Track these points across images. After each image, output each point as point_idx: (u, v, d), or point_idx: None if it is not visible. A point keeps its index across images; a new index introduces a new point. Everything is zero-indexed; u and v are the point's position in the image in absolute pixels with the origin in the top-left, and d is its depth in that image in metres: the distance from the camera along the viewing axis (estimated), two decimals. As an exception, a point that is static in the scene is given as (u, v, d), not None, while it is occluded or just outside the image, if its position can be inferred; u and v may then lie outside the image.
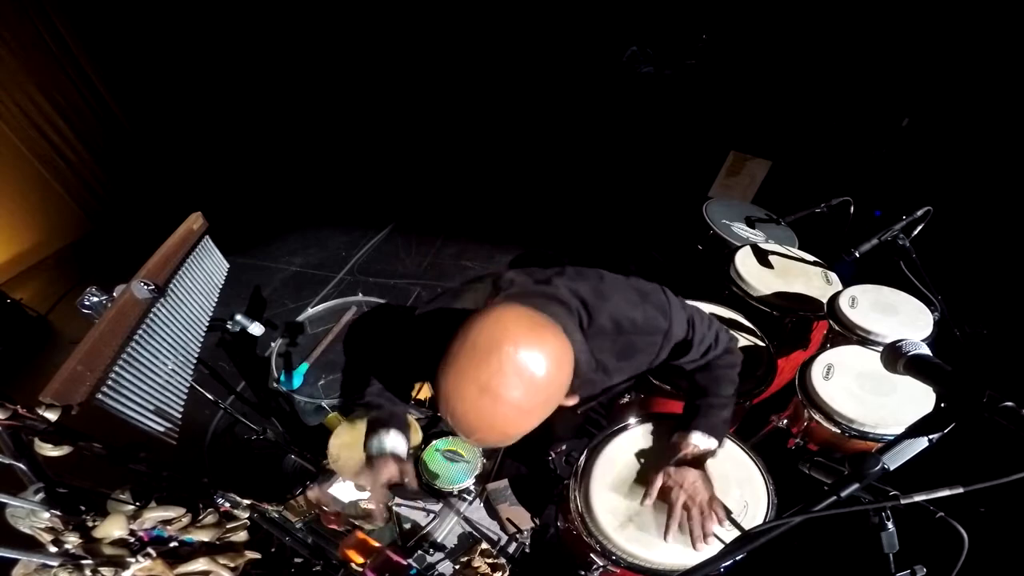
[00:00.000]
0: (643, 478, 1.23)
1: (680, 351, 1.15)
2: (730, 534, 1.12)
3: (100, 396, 1.10)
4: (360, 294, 2.21)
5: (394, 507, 1.36)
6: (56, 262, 4.19)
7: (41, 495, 0.74)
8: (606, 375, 1.12)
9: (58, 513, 0.72)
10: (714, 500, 1.12)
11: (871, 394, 1.51)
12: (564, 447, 2.19)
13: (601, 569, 1.18)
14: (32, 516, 0.73)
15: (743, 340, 1.76)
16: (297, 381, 1.88)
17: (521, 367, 0.75)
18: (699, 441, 1.17)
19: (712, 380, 1.22)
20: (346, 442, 1.54)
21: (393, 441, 1.17)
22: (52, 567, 0.67)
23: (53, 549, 0.69)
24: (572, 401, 0.92)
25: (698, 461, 1.17)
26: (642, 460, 1.28)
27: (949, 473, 0.72)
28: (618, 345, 1.06)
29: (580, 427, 2.12)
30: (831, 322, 1.80)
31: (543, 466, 2.12)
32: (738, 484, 1.22)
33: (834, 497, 0.74)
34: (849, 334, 1.73)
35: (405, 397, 1.27)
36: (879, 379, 1.53)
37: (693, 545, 1.08)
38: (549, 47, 5.21)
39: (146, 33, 4.48)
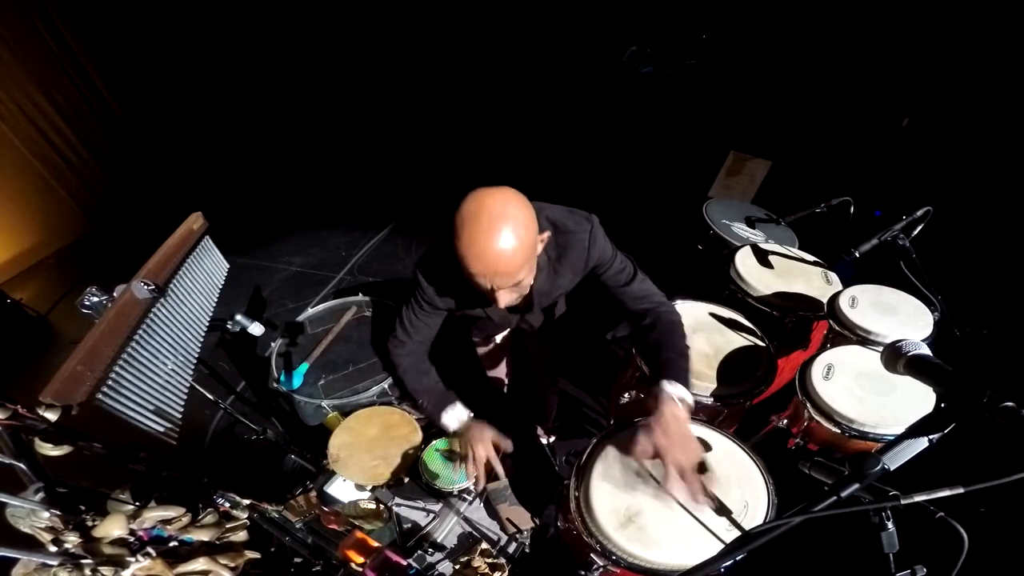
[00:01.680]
0: (643, 477, 1.23)
1: (605, 264, 1.40)
2: (730, 534, 1.12)
3: (100, 396, 1.10)
4: (360, 294, 2.21)
5: (394, 507, 1.36)
6: (56, 262, 4.20)
7: (41, 495, 0.74)
8: (554, 272, 1.39)
9: (58, 513, 0.72)
10: (695, 455, 1.18)
11: (871, 394, 1.51)
12: (554, 439, 2.24)
13: (601, 569, 1.18)
14: (32, 516, 0.73)
15: (743, 340, 1.76)
16: (297, 381, 1.88)
17: (508, 210, 1.09)
18: (670, 389, 1.24)
19: (661, 335, 1.39)
20: (346, 442, 1.54)
21: (461, 412, 1.45)
22: (52, 567, 0.67)
23: (53, 549, 0.69)
24: (540, 247, 1.23)
25: (679, 415, 1.21)
26: (643, 460, 1.28)
27: (949, 473, 0.72)
28: (556, 242, 1.34)
29: (580, 427, 2.17)
30: (831, 322, 1.80)
31: (543, 464, 2.14)
32: (738, 484, 1.22)
33: (834, 497, 0.74)
34: (849, 334, 1.73)
35: (433, 327, 1.50)
36: (879, 379, 1.53)
37: (694, 497, 1.13)
38: (549, 47, 5.21)
39: (146, 33, 4.49)
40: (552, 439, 2.30)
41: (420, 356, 1.52)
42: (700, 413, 1.61)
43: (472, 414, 1.47)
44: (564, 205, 1.39)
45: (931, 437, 0.75)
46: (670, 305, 1.46)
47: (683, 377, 1.29)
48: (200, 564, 0.73)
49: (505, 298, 1.20)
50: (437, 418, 1.44)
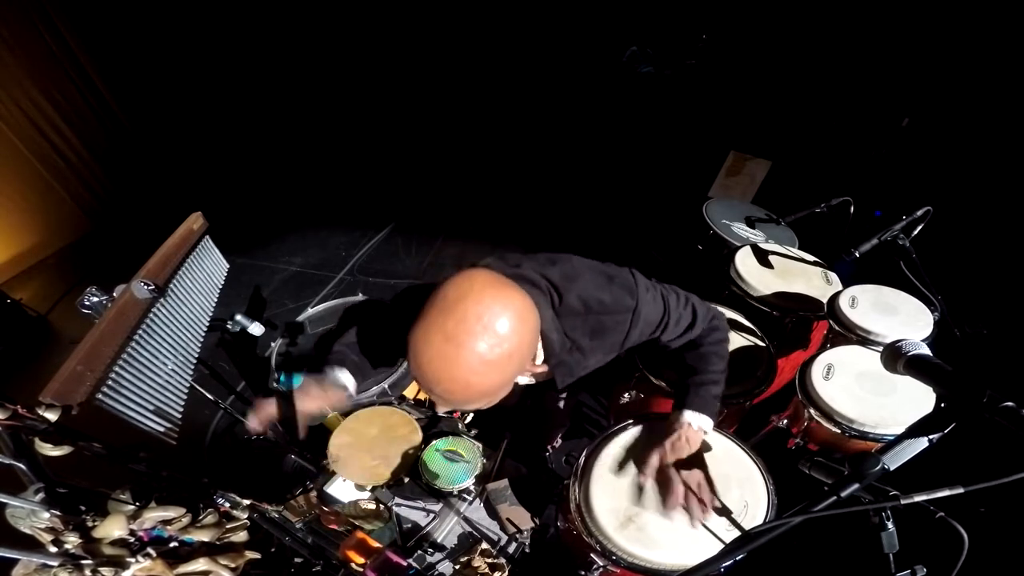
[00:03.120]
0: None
1: (656, 330, 1.16)
2: (730, 534, 1.12)
3: (100, 396, 1.10)
4: (360, 294, 2.21)
5: (394, 507, 1.36)
6: (56, 262, 4.19)
7: (41, 495, 0.74)
8: (581, 354, 1.14)
9: (58, 513, 0.72)
10: (705, 483, 1.14)
11: (871, 394, 1.51)
12: (560, 441, 2.18)
13: (601, 569, 1.18)
14: (32, 516, 0.73)
15: (743, 340, 1.76)
16: (297, 381, 1.88)
17: (485, 318, 0.81)
18: (691, 419, 1.18)
19: (699, 358, 1.23)
20: (346, 442, 1.54)
21: (339, 376, 1.22)
22: (52, 567, 0.67)
23: (53, 549, 0.69)
24: (542, 369, 0.98)
25: (693, 440, 1.18)
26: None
27: (949, 473, 0.72)
28: (588, 324, 1.09)
29: (580, 427, 2.13)
30: (831, 322, 1.80)
31: (543, 466, 2.13)
32: (738, 484, 1.22)
33: (834, 497, 0.74)
34: (849, 334, 1.73)
35: (376, 360, 1.29)
36: (879, 379, 1.53)
37: (691, 523, 1.10)
38: (549, 47, 5.21)
39: (146, 34, 4.48)
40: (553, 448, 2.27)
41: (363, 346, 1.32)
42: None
43: (341, 385, 1.23)
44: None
45: (931, 437, 0.75)
46: (720, 319, 1.28)
47: (710, 407, 1.20)
48: (200, 564, 0.73)
49: (442, 410, 1.05)
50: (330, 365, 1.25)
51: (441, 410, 1.00)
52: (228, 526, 0.79)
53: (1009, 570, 1.68)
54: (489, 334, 0.80)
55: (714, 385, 1.22)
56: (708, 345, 1.24)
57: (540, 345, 1.05)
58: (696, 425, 1.18)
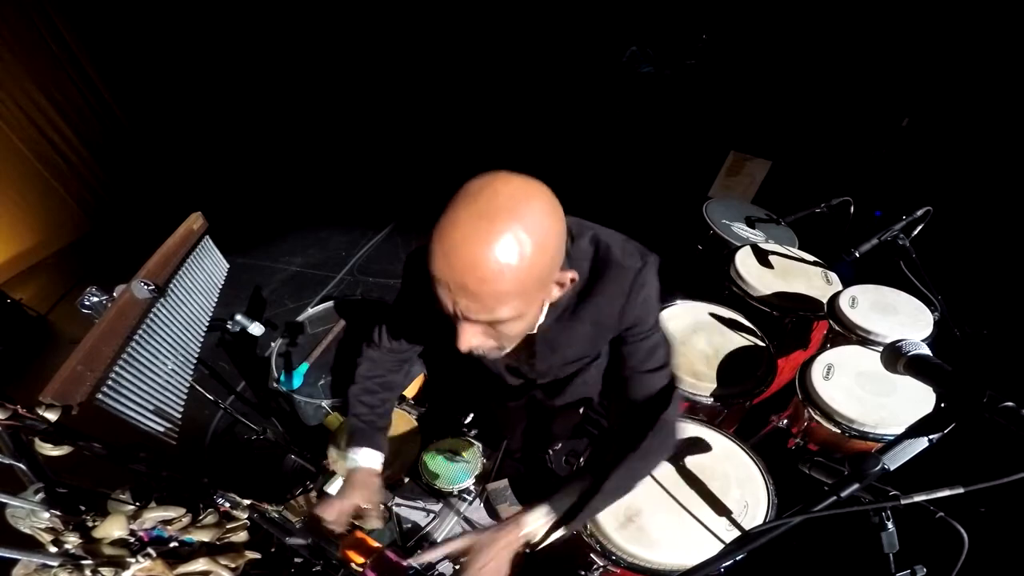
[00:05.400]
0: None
1: (643, 320, 1.02)
2: (730, 534, 1.12)
3: (100, 396, 1.10)
4: (360, 294, 2.21)
5: (394, 507, 1.36)
6: (56, 262, 4.19)
7: (41, 495, 0.74)
8: (571, 324, 1.03)
9: (58, 513, 0.72)
10: None
11: (871, 394, 1.51)
12: (560, 445, 2.17)
13: (601, 569, 1.18)
14: (32, 516, 0.73)
15: (743, 340, 1.76)
16: (297, 381, 1.88)
17: (517, 197, 0.76)
18: (533, 517, 1.04)
19: (627, 464, 1.04)
20: (346, 442, 1.54)
21: (366, 457, 1.21)
22: (52, 567, 0.67)
23: (53, 549, 0.69)
24: (558, 292, 0.89)
25: (511, 542, 1.03)
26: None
27: (949, 473, 0.72)
28: (592, 275, 0.99)
29: (579, 427, 2.13)
30: (831, 322, 1.80)
31: (543, 466, 2.12)
32: (738, 484, 1.22)
33: (834, 497, 0.74)
34: (849, 334, 1.73)
35: (413, 336, 1.23)
36: (879, 379, 1.53)
37: None
38: (549, 47, 5.21)
39: (146, 33, 4.48)
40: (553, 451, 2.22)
41: (384, 367, 1.28)
42: (700, 413, 1.61)
43: (375, 468, 1.22)
44: (569, 210, 1.09)
45: (931, 437, 0.75)
46: (670, 429, 1.08)
47: (575, 519, 1.04)
48: (200, 564, 0.73)
49: (469, 337, 0.84)
50: (347, 445, 1.24)
51: (467, 337, 0.83)
52: (228, 526, 0.79)
53: (1009, 570, 1.68)
54: (521, 213, 0.73)
55: (604, 497, 1.06)
56: (642, 452, 1.04)
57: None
58: (535, 526, 1.05)
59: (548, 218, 0.78)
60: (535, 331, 1.02)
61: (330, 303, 2.16)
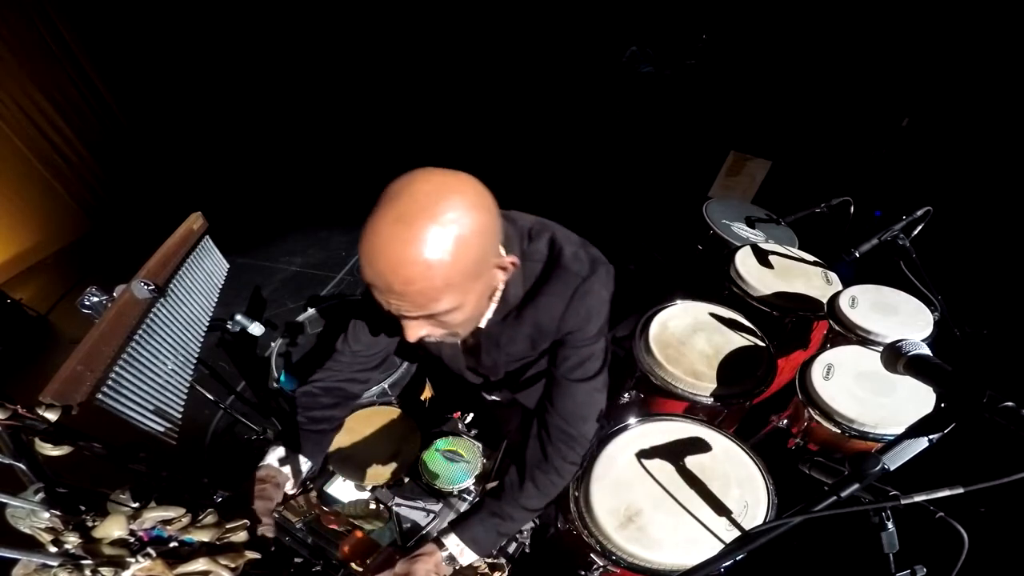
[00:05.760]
0: (643, 477, 1.23)
1: (581, 329, 1.02)
2: (730, 534, 1.12)
3: (100, 396, 1.10)
4: (360, 294, 2.20)
5: (394, 507, 1.36)
6: (56, 262, 4.20)
7: (41, 495, 0.74)
8: (515, 324, 1.04)
9: (58, 513, 0.72)
10: None
11: (871, 394, 1.51)
12: None
13: (601, 569, 1.18)
14: (32, 516, 0.73)
15: (743, 340, 1.76)
16: (297, 381, 1.88)
17: (435, 195, 0.76)
18: (450, 545, 1.06)
19: (531, 482, 1.09)
20: (346, 442, 1.54)
21: (276, 455, 1.17)
22: (52, 567, 0.67)
23: (53, 549, 0.68)
24: (504, 276, 0.91)
25: (441, 568, 1.05)
26: (643, 460, 1.28)
27: (949, 473, 0.72)
28: (541, 279, 1.00)
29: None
30: (831, 322, 1.80)
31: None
32: (738, 484, 1.22)
33: (834, 497, 0.74)
34: (849, 334, 1.73)
35: (375, 337, 1.22)
36: (879, 379, 1.53)
37: None
38: (549, 47, 5.21)
39: (146, 33, 4.49)
40: None
41: (344, 374, 1.26)
42: (700, 413, 1.61)
43: (299, 469, 1.18)
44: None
45: (931, 437, 0.75)
46: (582, 454, 1.11)
47: (484, 543, 1.07)
48: (200, 565, 0.73)
49: (414, 331, 0.87)
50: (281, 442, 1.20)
51: (412, 331, 0.86)
52: (228, 526, 0.79)
53: (1009, 570, 1.68)
54: (442, 209, 0.75)
55: (509, 522, 1.09)
56: (552, 474, 1.09)
57: (500, 292, 0.99)
58: (454, 556, 1.06)
59: (471, 211, 0.78)
60: (483, 325, 1.05)
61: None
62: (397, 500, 1.38)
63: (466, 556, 1.08)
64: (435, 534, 1.12)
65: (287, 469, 1.18)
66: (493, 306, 1.02)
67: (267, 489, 1.11)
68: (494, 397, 1.47)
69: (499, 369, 1.22)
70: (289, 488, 1.18)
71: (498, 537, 1.11)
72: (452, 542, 1.08)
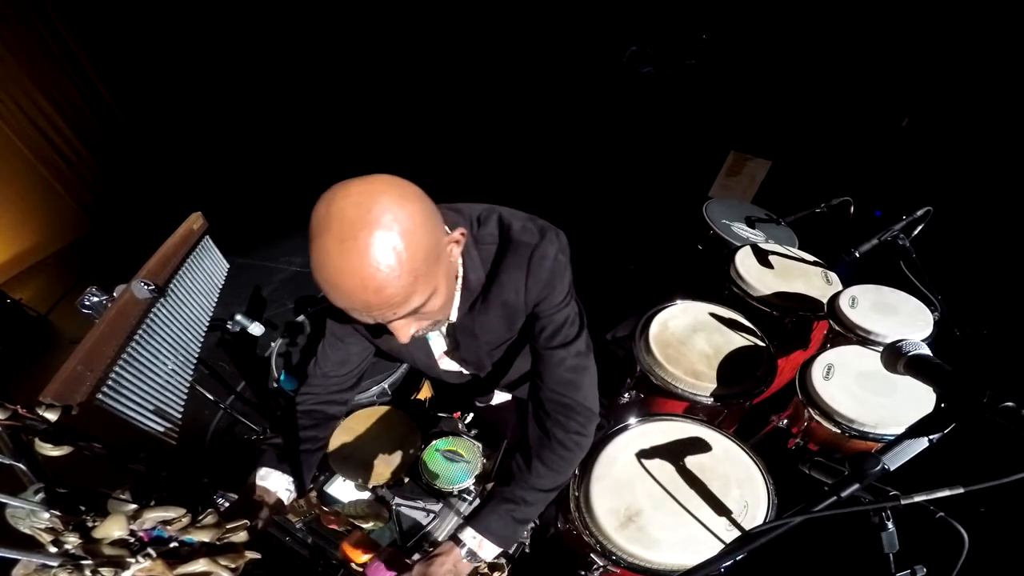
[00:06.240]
0: (643, 477, 1.23)
1: (549, 297, 1.02)
2: (730, 534, 1.12)
3: (100, 396, 1.10)
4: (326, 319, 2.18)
5: (394, 507, 1.36)
6: (56, 262, 4.20)
7: (41, 495, 0.74)
8: (482, 305, 1.04)
9: (58, 513, 0.72)
10: None
11: (871, 394, 1.51)
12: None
13: (601, 569, 1.18)
14: (32, 516, 0.73)
15: (743, 340, 1.76)
16: (297, 381, 1.88)
17: (365, 205, 0.76)
18: (471, 542, 1.04)
19: (541, 461, 1.07)
20: (346, 442, 1.54)
21: (270, 478, 1.13)
22: (52, 567, 0.67)
23: (53, 549, 0.68)
24: (459, 249, 0.92)
25: (460, 571, 1.03)
26: (643, 460, 1.28)
27: (949, 473, 0.72)
28: (497, 255, 1.01)
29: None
30: (831, 322, 1.80)
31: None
32: (738, 484, 1.22)
33: (834, 497, 0.74)
34: (849, 334, 1.73)
35: (346, 355, 1.22)
36: (879, 379, 1.53)
37: None
38: (549, 47, 5.21)
39: (146, 33, 4.49)
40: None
41: (320, 397, 1.25)
42: (700, 413, 1.61)
43: (285, 489, 1.14)
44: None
45: (931, 437, 0.75)
46: (588, 424, 1.09)
47: (503, 533, 1.05)
48: (200, 565, 0.73)
49: (404, 331, 0.88)
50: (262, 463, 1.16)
51: (403, 332, 0.88)
52: (228, 526, 0.79)
53: (1009, 570, 1.68)
54: (376, 214, 0.75)
55: (523, 506, 1.06)
56: (560, 449, 1.06)
57: (459, 284, 1.00)
58: (473, 551, 1.04)
59: (403, 204, 0.78)
60: (455, 319, 1.06)
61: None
62: (397, 500, 1.38)
63: (486, 549, 1.06)
64: (447, 535, 1.11)
65: (273, 488, 1.15)
66: (458, 294, 1.03)
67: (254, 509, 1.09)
68: (487, 402, 1.47)
69: (483, 360, 1.21)
70: (274, 504, 1.15)
71: (515, 525, 1.07)
72: (468, 535, 1.05)
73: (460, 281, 1.02)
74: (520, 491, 1.07)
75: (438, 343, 1.23)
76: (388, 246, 0.75)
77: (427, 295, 0.84)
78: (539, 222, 1.04)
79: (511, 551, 1.25)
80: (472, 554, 1.05)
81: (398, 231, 0.76)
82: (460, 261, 0.99)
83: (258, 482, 1.13)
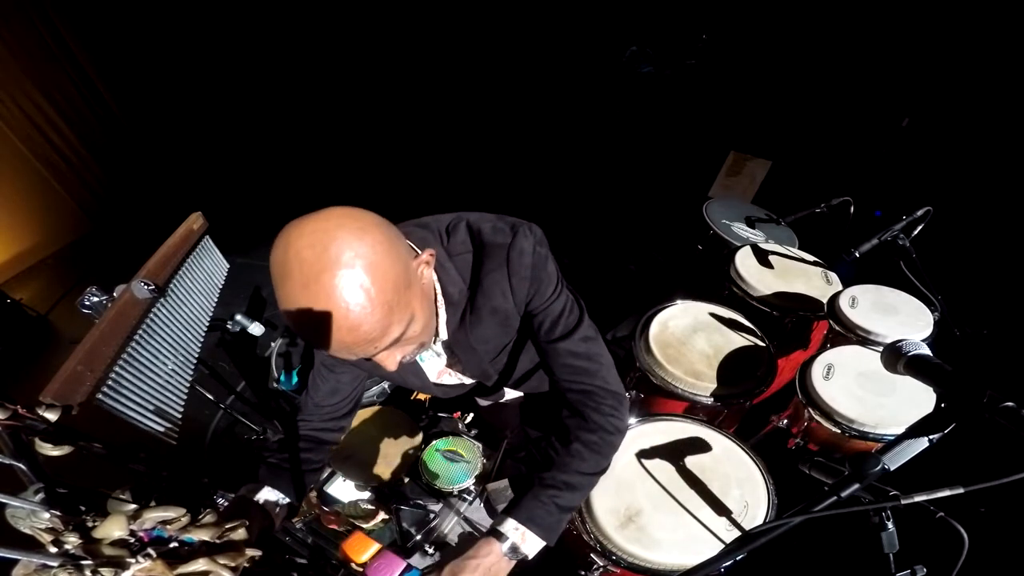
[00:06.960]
0: (643, 477, 1.23)
1: (540, 291, 1.00)
2: (730, 534, 1.12)
3: (100, 396, 1.10)
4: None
5: (394, 507, 1.36)
6: (56, 262, 4.19)
7: (41, 495, 0.74)
8: (472, 319, 1.02)
9: (58, 513, 0.72)
10: None
11: (871, 394, 1.51)
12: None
13: (601, 569, 1.17)
14: (32, 516, 0.73)
15: (743, 340, 1.76)
16: (297, 381, 1.88)
17: (320, 244, 0.73)
18: (508, 532, 0.97)
19: (571, 451, 1.02)
20: (346, 442, 1.54)
21: (266, 495, 1.11)
22: (52, 567, 0.67)
23: (53, 549, 0.68)
24: (430, 270, 0.90)
25: (496, 572, 0.96)
26: (643, 460, 1.28)
27: (949, 473, 0.72)
28: (476, 269, 0.98)
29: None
30: (831, 322, 1.80)
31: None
32: (738, 484, 1.22)
33: (834, 497, 0.74)
34: (849, 334, 1.73)
35: (337, 384, 1.21)
36: (879, 379, 1.53)
37: None
38: (549, 47, 5.21)
39: (146, 33, 4.48)
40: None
41: (314, 424, 1.23)
42: (700, 413, 1.61)
43: (274, 500, 1.12)
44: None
45: (931, 437, 0.75)
46: (619, 407, 1.06)
47: (546, 523, 0.98)
48: (200, 564, 0.73)
49: (389, 361, 0.86)
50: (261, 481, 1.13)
51: (389, 362, 0.86)
52: (228, 526, 0.79)
53: (1009, 570, 1.68)
54: (336, 252, 0.72)
55: (567, 491, 0.99)
56: (589, 436, 1.01)
57: (440, 296, 0.98)
58: (516, 546, 0.97)
59: (361, 236, 0.75)
60: (446, 336, 1.04)
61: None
62: (397, 500, 1.38)
63: (529, 542, 0.98)
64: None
65: (264, 502, 1.13)
66: (442, 310, 1.00)
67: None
68: (488, 401, 1.46)
69: (487, 370, 1.19)
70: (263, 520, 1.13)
71: (559, 513, 1.00)
72: (510, 527, 0.98)
73: (441, 298, 0.99)
74: (562, 475, 1.01)
75: (432, 363, 1.22)
76: (354, 284, 0.73)
77: (405, 323, 0.81)
78: (509, 220, 1.02)
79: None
80: (514, 549, 0.98)
81: (361, 266, 0.73)
82: (435, 279, 0.97)
83: (248, 496, 1.11)
